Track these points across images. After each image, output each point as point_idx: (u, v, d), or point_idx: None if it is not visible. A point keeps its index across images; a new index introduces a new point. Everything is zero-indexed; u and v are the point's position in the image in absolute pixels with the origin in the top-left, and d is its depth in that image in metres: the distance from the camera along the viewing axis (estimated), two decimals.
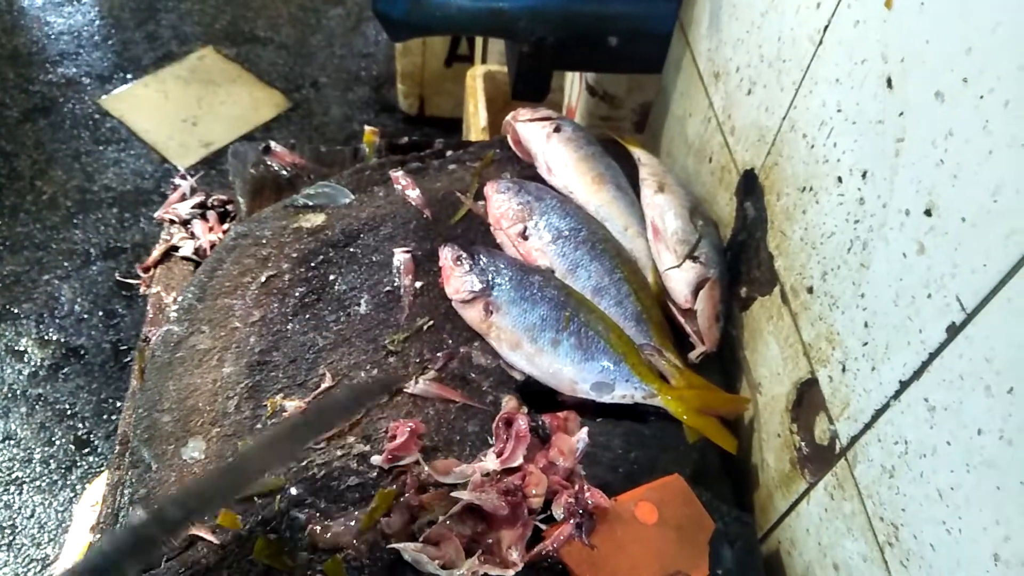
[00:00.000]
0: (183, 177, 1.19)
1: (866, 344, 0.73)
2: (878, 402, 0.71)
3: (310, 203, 1.12)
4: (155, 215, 1.19)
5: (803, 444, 0.84)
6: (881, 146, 0.71)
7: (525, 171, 1.21)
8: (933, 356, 0.64)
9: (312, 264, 1.04)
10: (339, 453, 0.88)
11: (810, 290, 0.83)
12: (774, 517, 0.91)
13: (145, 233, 2.43)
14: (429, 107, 2.78)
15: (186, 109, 2.79)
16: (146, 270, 1.15)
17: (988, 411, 0.57)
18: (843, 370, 0.77)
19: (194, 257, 1.14)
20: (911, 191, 0.67)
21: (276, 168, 1.21)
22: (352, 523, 0.83)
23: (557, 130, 1.18)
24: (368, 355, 0.96)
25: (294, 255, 1.05)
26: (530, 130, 1.20)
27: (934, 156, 0.64)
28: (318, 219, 1.10)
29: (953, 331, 0.61)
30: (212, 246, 1.13)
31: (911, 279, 0.66)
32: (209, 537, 0.80)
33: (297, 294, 1.01)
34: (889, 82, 0.70)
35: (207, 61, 2.97)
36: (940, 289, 0.63)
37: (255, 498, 0.84)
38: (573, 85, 1.74)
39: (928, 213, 0.64)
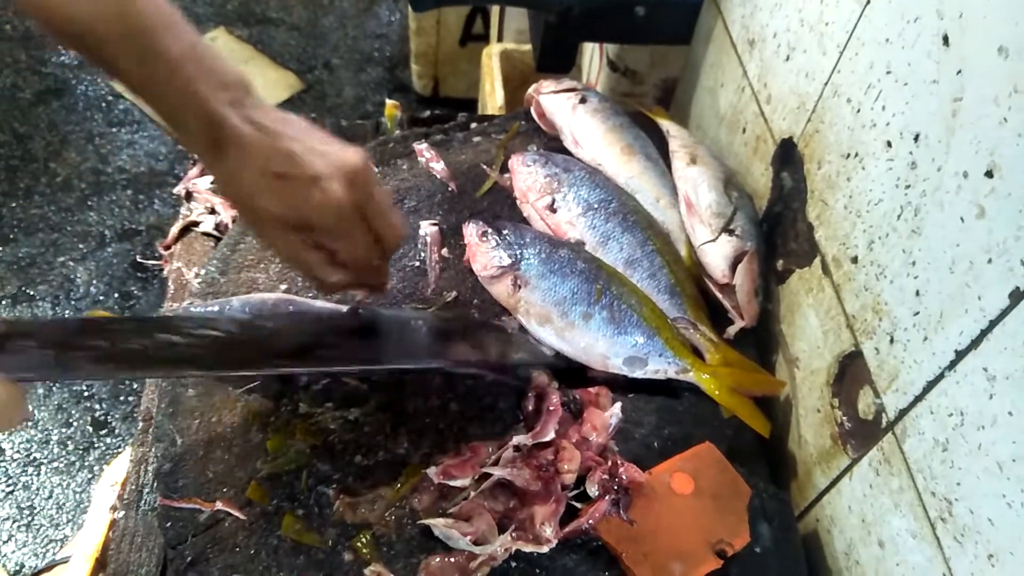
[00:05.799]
0: None
1: (917, 314, 0.70)
2: (931, 373, 0.68)
3: None
4: (174, 190, 1.16)
5: (845, 419, 0.82)
6: (936, 107, 0.68)
7: (550, 144, 1.18)
8: (994, 323, 0.61)
9: None
10: (367, 430, 0.86)
11: (855, 260, 0.80)
12: (813, 495, 0.88)
13: (160, 215, 2.42)
14: (444, 87, 2.75)
15: None
16: (167, 248, 1.12)
17: None
18: (891, 341, 0.74)
19: (214, 233, 1.12)
20: (970, 152, 0.63)
21: None
22: (380, 499, 0.81)
23: (583, 101, 1.15)
24: None
25: None
26: (555, 102, 1.17)
27: (997, 115, 0.61)
28: None
29: (1017, 296, 0.58)
30: (233, 221, 1.11)
31: (970, 244, 0.63)
32: (236, 513, 0.79)
33: None
34: (946, 39, 0.67)
35: (219, 42, 2.95)
36: (1002, 253, 0.60)
37: (282, 474, 0.82)
38: (593, 61, 1.70)
39: (989, 174, 0.61)
